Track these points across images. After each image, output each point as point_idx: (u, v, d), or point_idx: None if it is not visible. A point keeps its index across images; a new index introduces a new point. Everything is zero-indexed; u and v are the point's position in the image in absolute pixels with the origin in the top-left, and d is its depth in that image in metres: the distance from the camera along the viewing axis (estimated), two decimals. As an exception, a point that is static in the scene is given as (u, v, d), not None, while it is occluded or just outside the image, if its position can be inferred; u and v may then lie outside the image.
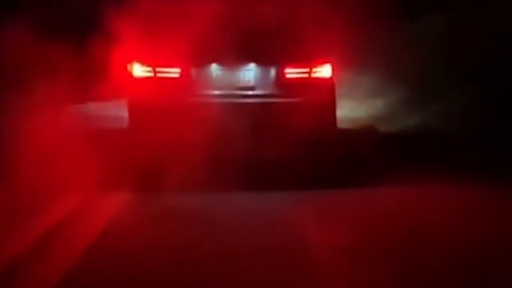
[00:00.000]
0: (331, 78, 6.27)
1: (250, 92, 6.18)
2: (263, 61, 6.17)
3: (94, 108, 14.74)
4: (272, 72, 6.18)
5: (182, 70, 6.14)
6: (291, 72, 6.19)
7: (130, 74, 6.29)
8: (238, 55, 6.17)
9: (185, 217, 5.10)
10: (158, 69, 6.14)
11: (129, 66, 6.32)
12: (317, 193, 5.92)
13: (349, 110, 11.94)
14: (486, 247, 4.29)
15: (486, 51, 10.99)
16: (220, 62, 6.15)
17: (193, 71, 6.16)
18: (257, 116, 6.14)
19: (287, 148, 6.31)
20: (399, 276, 3.77)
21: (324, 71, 6.23)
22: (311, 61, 6.19)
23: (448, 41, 12.33)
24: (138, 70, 6.19)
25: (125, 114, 6.57)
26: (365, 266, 3.93)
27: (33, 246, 4.31)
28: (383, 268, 3.88)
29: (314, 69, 6.19)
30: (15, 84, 12.93)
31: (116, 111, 12.10)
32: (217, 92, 6.15)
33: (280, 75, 6.17)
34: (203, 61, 6.16)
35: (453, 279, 3.74)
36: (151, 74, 6.14)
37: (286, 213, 5.27)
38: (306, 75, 6.19)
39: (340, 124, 6.82)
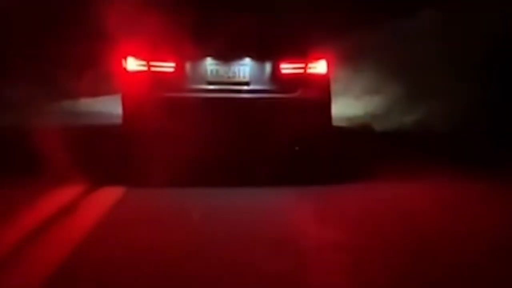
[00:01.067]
0: (326, 74, 6.20)
1: (245, 87, 6.10)
2: (258, 56, 6.09)
3: (87, 103, 14.72)
4: (268, 67, 6.11)
5: (177, 64, 6.06)
6: (287, 68, 6.12)
7: (124, 68, 6.21)
8: (233, 50, 6.10)
9: (181, 213, 5.03)
10: (152, 63, 6.06)
11: (123, 60, 6.24)
12: (314, 189, 5.88)
13: (345, 108, 11.92)
14: (488, 242, 4.27)
15: (483, 49, 10.97)
16: (215, 56, 6.07)
17: (187, 66, 6.09)
18: (251, 111, 6.07)
19: (282, 144, 6.27)
20: (399, 273, 3.72)
21: (320, 66, 6.16)
22: (306, 57, 6.12)
23: (445, 38, 12.30)
24: (132, 64, 6.11)
25: (118, 110, 6.48)
26: (366, 262, 3.89)
27: (24, 241, 4.25)
28: (383, 265, 3.84)
29: (309, 65, 6.12)
30: (11, 78, 12.89)
31: (110, 107, 12.09)
32: (211, 87, 6.08)
33: (275, 70, 6.09)
34: (197, 56, 6.08)
35: (455, 276, 3.69)
36: (145, 68, 6.06)
37: (284, 209, 5.23)
38: (301, 71, 6.12)
39: (336, 122, 6.75)
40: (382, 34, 14.03)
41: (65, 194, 5.52)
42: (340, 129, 9.01)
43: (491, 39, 10.96)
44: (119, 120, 6.35)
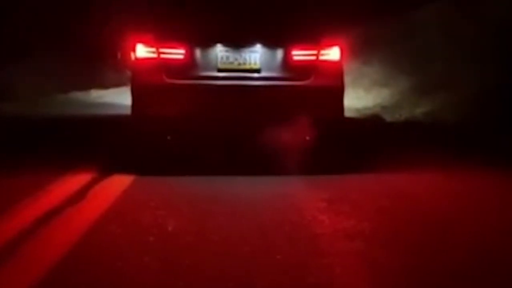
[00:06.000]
0: (339, 61, 6.08)
1: (255, 75, 5.99)
2: (269, 42, 5.97)
3: (98, 95, 14.69)
4: (279, 54, 5.99)
5: (186, 51, 5.96)
6: (299, 54, 6.00)
7: (133, 56, 6.13)
8: (243, 36, 6.00)
9: (190, 201, 4.95)
10: (161, 50, 5.96)
11: (132, 47, 6.16)
12: (324, 178, 5.80)
13: (354, 99, 11.84)
14: (498, 229, 4.19)
15: (492, 39, 10.90)
16: (225, 43, 5.96)
17: (197, 52, 5.99)
18: (262, 99, 5.97)
19: (293, 133, 6.19)
20: (413, 260, 3.65)
21: (333, 53, 6.04)
22: (319, 43, 6.00)
23: (454, 29, 12.22)
24: (142, 51, 6.01)
25: (128, 101, 6.40)
26: (379, 249, 3.81)
27: (32, 225, 4.21)
28: (397, 252, 3.77)
29: (322, 52, 6.00)
30: (22, 69, 12.88)
31: (120, 98, 12.06)
32: (221, 74, 5.98)
33: (287, 57, 5.98)
34: (207, 42, 5.97)
35: (469, 263, 3.62)
36: (155, 55, 5.96)
37: (295, 198, 5.13)
38: (313, 58, 6.00)
39: (346, 113, 6.64)
40: (391, 26, 13.94)
41: (75, 182, 5.48)
42: (350, 120, 8.93)
43: (500, 29, 10.87)
44: (128, 111, 6.27)
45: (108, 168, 5.94)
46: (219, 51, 5.97)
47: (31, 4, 13.99)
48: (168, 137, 6.20)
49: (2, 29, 12.91)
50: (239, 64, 5.97)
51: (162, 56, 5.96)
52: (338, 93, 6.14)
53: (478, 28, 11.52)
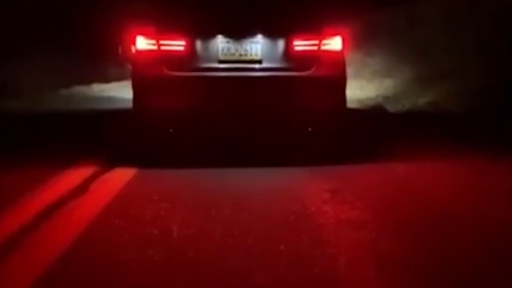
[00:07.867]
0: (341, 51, 6.04)
1: (257, 66, 5.96)
2: (271, 33, 5.93)
3: (100, 89, 14.68)
4: (280, 44, 5.95)
5: (187, 42, 5.92)
6: (300, 45, 5.96)
7: (134, 48, 6.10)
8: (244, 27, 5.96)
9: (192, 193, 4.93)
10: (162, 42, 5.92)
11: (133, 40, 6.12)
12: (328, 169, 5.77)
13: (357, 90, 11.81)
14: (503, 219, 4.16)
15: (495, 29, 10.85)
16: (226, 34, 5.92)
17: (198, 44, 5.95)
18: (264, 90, 5.94)
19: (296, 124, 6.17)
20: (418, 248, 3.64)
21: (334, 43, 6.00)
22: (320, 33, 5.95)
23: (456, 20, 12.17)
24: (142, 43, 5.98)
25: (129, 95, 6.37)
26: (384, 238, 3.79)
27: (33, 219, 4.20)
28: (402, 241, 3.75)
29: (323, 41, 5.96)
30: (24, 64, 12.85)
31: (122, 92, 12.05)
32: (223, 66, 5.94)
33: (288, 47, 5.94)
34: (208, 33, 5.93)
35: (473, 251, 3.60)
36: (155, 47, 5.93)
37: (298, 189, 5.11)
38: (315, 48, 5.95)
39: (348, 104, 6.61)
40: (393, 17, 13.90)
41: (77, 176, 5.46)
42: (353, 110, 8.91)
43: (503, 19, 10.83)
44: (130, 105, 6.24)
45: (110, 162, 5.92)
46: (220, 42, 5.93)
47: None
48: (170, 130, 6.17)
49: (2, 25, 12.88)
50: (240, 55, 5.94)
51: (163, 48, 5.92)
52: (340, 83, 6.10)
53: (480, 19, 11.48)
